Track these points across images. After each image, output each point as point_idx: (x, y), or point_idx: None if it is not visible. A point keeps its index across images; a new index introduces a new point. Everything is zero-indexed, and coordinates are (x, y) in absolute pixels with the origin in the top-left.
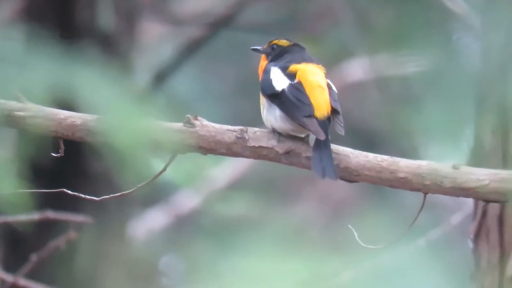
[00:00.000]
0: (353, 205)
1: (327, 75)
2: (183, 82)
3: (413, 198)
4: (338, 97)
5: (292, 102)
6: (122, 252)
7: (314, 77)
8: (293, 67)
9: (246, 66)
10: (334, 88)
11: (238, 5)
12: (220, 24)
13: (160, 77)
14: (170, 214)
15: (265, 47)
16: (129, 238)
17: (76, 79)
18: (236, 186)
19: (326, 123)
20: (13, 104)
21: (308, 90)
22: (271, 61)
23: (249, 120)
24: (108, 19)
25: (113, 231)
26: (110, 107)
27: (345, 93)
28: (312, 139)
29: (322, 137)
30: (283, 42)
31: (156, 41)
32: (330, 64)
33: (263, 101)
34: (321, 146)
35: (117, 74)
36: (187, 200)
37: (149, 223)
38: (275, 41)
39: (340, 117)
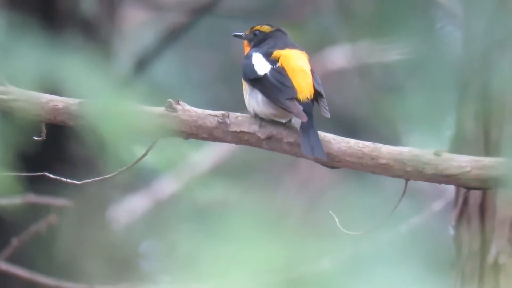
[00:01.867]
0: (334, 191)
1: (310, 61)
2: (165, 68)
3: (395, 185)
4: (321, 82)
5: (274, 85)
6: (102, 236)
7: (297, 61)
8: (276, 53)
9: (227, 53)
10: (316, 74)
11: None
12: (201, 10)
13: (142, 63)
14: (151, 199)
15: (247, 33)
16: (110, 222)
17: (59, 65)
18: (217, 171)
19: (309, 105)
20: None
21: (290, 74)
22: (254, 46)
23: (230, 106)
24: (90, 5)
25: (94, 215)
26: (92, 92)
27: (327, 80)
28: (297, 122)
29: (304, 119)
30: (266, 28)
31: (137, 27)
32: (312, 50)
33: (245, 86)
34: (307, 127)
35: (99, 60)
36: (168, 185)
37: (129, 208)
38: (257, 27)
39: (324, 100)
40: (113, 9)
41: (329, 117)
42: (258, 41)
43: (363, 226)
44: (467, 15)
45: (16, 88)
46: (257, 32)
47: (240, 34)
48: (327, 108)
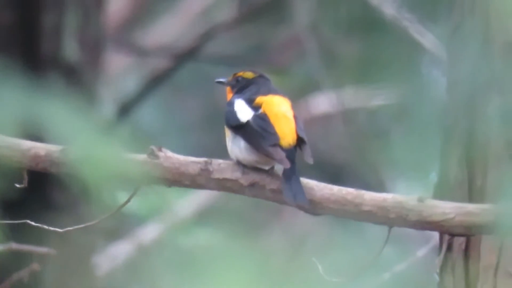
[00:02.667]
0: (318, 237)
1: (293, 107)
2: (148, 113)
3: (378, 231)
4: (304, 128)
5: (257, 132)
6: (85, 283)
7: (279, 108)
8: (259, 99)
9: (210, 98)
10: (299, 120)
11: (203, 37)
12: (185, 55)
13: (125, 108)
14: (134, 246)
15: (229, 79)
16: (93, 269)
17: (42, 110)
18: (200, 217)
19: (292, 152)
20: None
21: (273, 120)
22: (236, 93)
23: (213, 151)
24: (73, 50)
25: (77, 262)
26: (75, 138)
27: (311, 126)
28: (279, 168)
29: (287, 165)
30: (248, 74)
31: (121, 72)
32: (297, 96)
33: (228, 133)
34: (290, 174)
35: (82, 105)
36: (151, 232)
37: (113, 254)
38: (240, 73)
39: (307, 146)
40: (97, 54)
41: (312, 163)
42: (241, 87)
43: (347, 273)
44: (451, 60)
45: None
46: (239, 78)
47: (223, 80)
48: (310, 154)
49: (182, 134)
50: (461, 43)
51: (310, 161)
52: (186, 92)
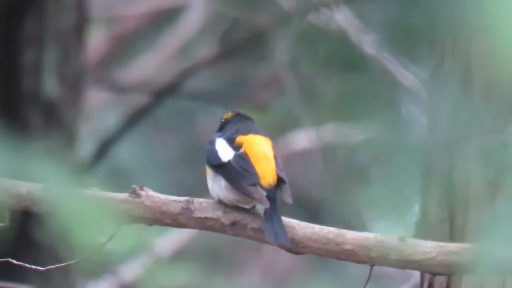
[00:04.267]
0: (298, 276)
1: (274, 147)
2: (128, 150)
3: (360, 269)
4: (283, 167)
5: (237, 171)
6: None
7: (259, 147)
8: (239, 138)
9: (190, 134)
10: (279, 159)
11: (183, 73)
12: (164, 91)
13: (105, 146)
14: (115, 284)
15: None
16: None
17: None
18: (181, 255)
19: (272, 191)
20: None
21: (253, 160)
22: (217, 131)
23: (193, 188)
24: (53, 87)
25: None
26: (54, 179)
27: (291, 162)
28: (261, 208)
29: (266, 205)
30: (228, 114)
31: (100, 109)
32: (276, 132)
33: (209, 171)
34: (271, 213)
35: (62, 144)
36: (131, 270)
37: None
38: (225, 115)
39: (287, 185)
40: (77, 91)
41: (291, 203)
42: (221, 127)
43: None
44: (431, 100)
45: None
46: (222, 119)
47: None
48: (289, 194)
49: (162, 171)
50: (442, 83)
51: (289, 200)
52: (166, 128)
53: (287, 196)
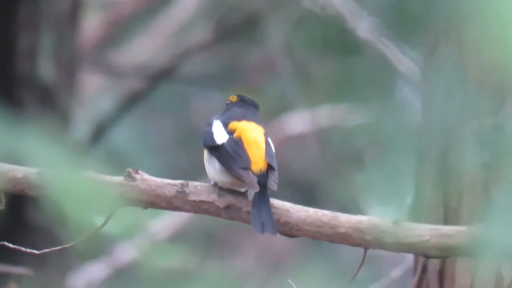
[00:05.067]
0: (293, 259)
1: (266, 134)
2: (123, 134)
3: (354, 252)
4: (275, 154)
5: (229, 154)
6: None
7: (252, 133)
8: (232, 124)
9: (185, 118)
10: (272, 145)
11: (178, 57)
12: (160, 75)
13: (100, 129)
14: (110, 267)
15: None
16: None
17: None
18: (176, 238)
19: (263, 177)
20: None
21: (246, 145)
22: (219, 114)
23: (188, 172)
24: (48, 71)
25: (53, 283)
26: (50, 162)
27: (285, 146)
28: (251, 194)
29: (256, 188)
30: (232, 98)
31: (95, 93)
32: (270, 116)
33: (205, 153)
34: (259, 200)
35: (57, 127)
36: (127, 253)
37: (89, 275)
38: (231, 97)
39: (275, 172)
40: (72, 75)
41: (275, 190)
42: (225, 109)
43: None
44: (426, 83)
45: None
46: (228, 101)
47: None
48: (275, 181)
49: (157, 154)
50: (436, 67)
51: (274, 188)
52: (161, 112)
53: (272, 183)
